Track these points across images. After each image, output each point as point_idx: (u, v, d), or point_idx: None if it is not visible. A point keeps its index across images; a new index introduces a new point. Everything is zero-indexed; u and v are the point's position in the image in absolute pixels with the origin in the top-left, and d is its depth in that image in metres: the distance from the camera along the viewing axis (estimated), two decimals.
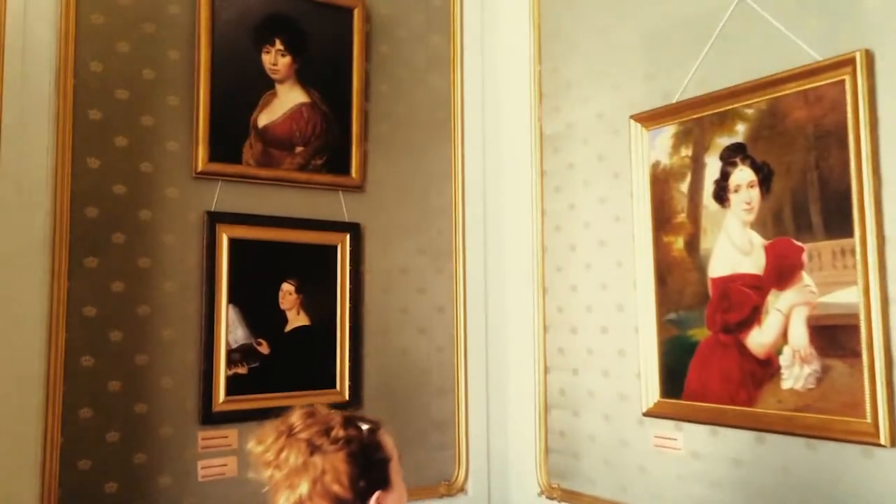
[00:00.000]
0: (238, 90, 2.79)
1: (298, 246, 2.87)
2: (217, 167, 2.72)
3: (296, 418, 1.54)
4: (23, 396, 2.32)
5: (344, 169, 2.99)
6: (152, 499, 2.50)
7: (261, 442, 1.53)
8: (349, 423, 1.54)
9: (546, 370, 3.10)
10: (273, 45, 2.87)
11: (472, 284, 3.23)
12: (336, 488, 1.45)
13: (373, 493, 1.50)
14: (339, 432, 1.50)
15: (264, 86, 2.85)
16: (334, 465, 1.46)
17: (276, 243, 2.83)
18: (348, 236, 2.96)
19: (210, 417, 2.61)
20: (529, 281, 3.19)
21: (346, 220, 2.98)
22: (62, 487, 2.35)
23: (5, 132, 2.36)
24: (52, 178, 2.44)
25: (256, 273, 2.77)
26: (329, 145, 2.96)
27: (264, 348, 2.76)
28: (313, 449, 1.47)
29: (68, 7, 2.50)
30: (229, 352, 2.68)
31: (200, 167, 2.69)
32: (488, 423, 3.21)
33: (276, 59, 2.87)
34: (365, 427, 1.57)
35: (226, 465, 2.63)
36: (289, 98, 2.90)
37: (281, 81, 2.88)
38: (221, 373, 2.66)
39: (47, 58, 2.46)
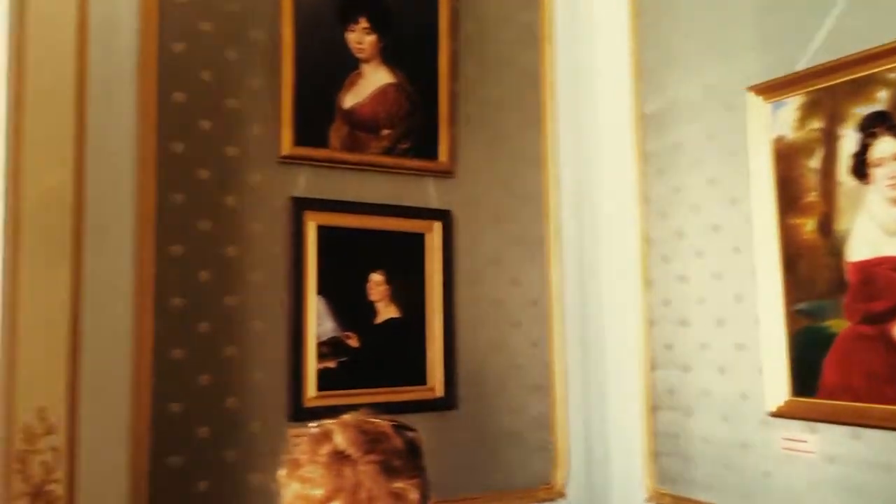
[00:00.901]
0: (323, 70, 2.64)
1: (387, 234, 2.72)
2: (302, 151, 2.59)
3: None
4: (110, 389, 2.20)
5: (431, 153, 2.82)
6: (243, 497, 2.37)
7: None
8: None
9: (651, 367, 2.87)
10: (357, 23, 2.72)
11: (567, 276, 3.03)
12: None
13: None
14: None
15: (349, 66, 2.71)
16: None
17: (364, 231, 2.68)
18: (439, 224, 2.79)
19: (300, 413, 2.46)
20: (631, 272, 2.96)
21: (437, 206, 2.81)
22: (152, 485, 2.23)
23: (91, 117, 2.26)
24: (137, 163, 2.33)
25: (344, 262, 2.62)
26: (416, 128, 2.80)
27: (354, 341, 2.61)
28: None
29: None
30: (319, 345, 2.53)
31: (285, 151, 2.56)
32: (588, 423, 3.00)
33: (361, 38, 2.72)
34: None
35: None
36: (374, 78, 2.75)
37: (366, 61, 2.73)
38: (311, 367, 2.51)
39: (130, 38, 2.35)
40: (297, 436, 1.29)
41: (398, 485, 1.21)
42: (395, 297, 2.70)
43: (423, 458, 1.30)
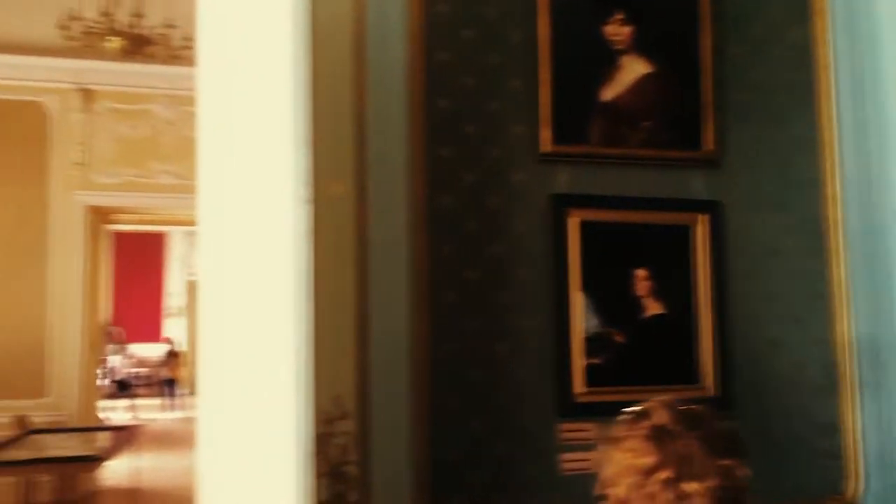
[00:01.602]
0: (580, 66, 2.64)
1: (650, 227, 2.65)
2: (562, 148, 2.60)
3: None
4: (394, 380, 2.35)
5: (694, 142, 2.71)
6: (516, 491, 2.42)
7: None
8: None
9: None
10: (614, 15, 2.68)
11: (854, 268, 2.75)
12: None
13: None
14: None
15: (606, 59, 2.67)
16: None
17: (626, 225, 2.63)
18: (705, 216, 2.67)
19: (569, 409, 2.46)
20: None
21: (703, 197, 2.69)
22: (434, 472, 2.35)
23: (369, 127, 2.43)
24: (409, 169, 2.48)
25: (606, 258, 2.60)
26: (677, 118, 2.71)
27: (619, 338, 2.56)
28: None
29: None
30: (586, 341, 2.52)
31: (545, 149, 2.58)
32: (883, 427, 2.70)
33: (617, 30, 2.68)
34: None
35: (588, 459, 2.47)
36: (632, 70, 2.70)
37: (623, 53, 2.69)
38: (578, 363, 2.51)
39: (399, 51, 2.50)
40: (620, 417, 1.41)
41: (725, 462, 1.25)
42: (660, 292, 2.62)
43: (743, 444, 1.33)
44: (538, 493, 2.44)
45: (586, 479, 2.42)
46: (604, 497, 1.32)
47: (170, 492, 7.39)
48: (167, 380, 15.06)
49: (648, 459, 1.25)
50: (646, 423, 1.30)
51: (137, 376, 15.75)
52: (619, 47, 2.68)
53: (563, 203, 2.58)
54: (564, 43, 2.62)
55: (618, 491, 1.29)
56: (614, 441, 1.33)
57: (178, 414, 13.96)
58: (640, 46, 2.70)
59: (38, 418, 7.02)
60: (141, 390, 15.42)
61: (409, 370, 2.38)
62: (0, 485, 5.77)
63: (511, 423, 2.45)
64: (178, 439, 10.53)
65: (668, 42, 2.73)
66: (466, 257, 2.49)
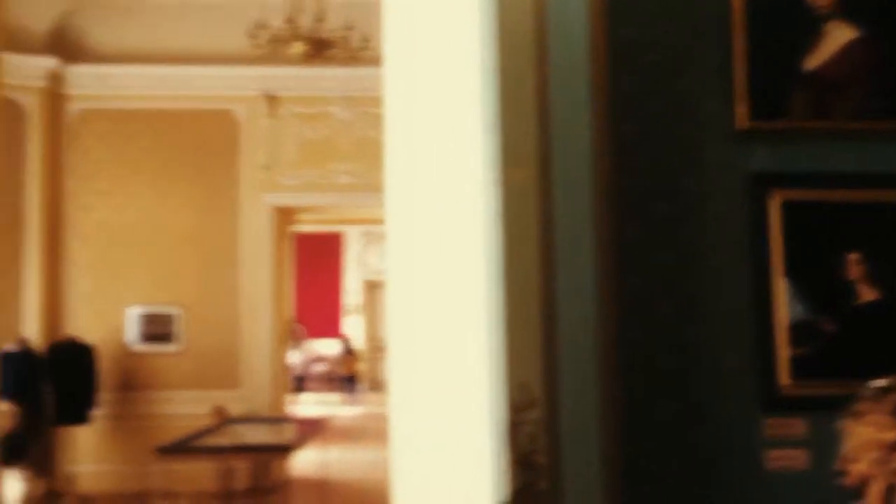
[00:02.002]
0: (778, 36, 2.46)
1: (861, 206, 2.42)
2: (760, 124, 2.43)
3: None
4: (582, 368, 2.29)
5: None
6: (715, 486, 2.29)
7: None
8: None
9: None
10: None
11: None
12: None
13: None
14: None
15: (807, 27, 2.48)
16: None
17: (835, 205, 2.42)
18: None
19: (774, 403, 2.30)
20: None
21: None
22: (626, 469, 2.27)
23: (553, 110, 2.39)
24: (591, 150, 2.40)
25: (813, 240, 2.40)
26: (889, 86, 2.46)
27: (829, 326, 2.36)
28: None
29: None
30: (790, 330, 2.34)
31: (741, 126, 2.43)
32: None
33: None
34: None
35: (795, 457, 2.30)
36: (836, 36, 2.48)
37: (826, 19, 2.48)
38: (782, 353, 2.33)
39: (581, 28, 2.44)
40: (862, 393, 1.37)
41: None
42: (875, 277, 2.39)
43: None
44: (739, 490, 2.29)
45: (794, 478, 2.28)
46: (844, 473, 1.29)
47: (357, 484, 7.70)
48: (347, 376, 15.75)
49: (894, 434, 1.24)
50: (891, 398, 1.27)
51: (316, 372, 16.59)
52: (823, 12, 2.47)
53: (764, 182, 2.41)
54: (761, 12, 2.46)
55: (860, 466, 1.26)
56: (857, 415, 1.30)
57: (358, 409, 14.55)
58: (847, 10, 2.48)
59: (233, 408, 7.54)
60: (319, 385, 16.24)
61: (596, 356, 2.30)
62: (201, 471, 6.21)
63: (708, 415, 2.32)
64: (361, 433, 10.96)
65: (877, 4, 2.49)
66: (656, 241, 2.39)
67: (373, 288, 17.35)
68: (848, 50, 2.47)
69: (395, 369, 2.50)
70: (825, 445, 2.19)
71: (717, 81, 2.45)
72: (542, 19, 2.41)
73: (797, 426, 2.31)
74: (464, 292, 2.32)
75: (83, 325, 7.63)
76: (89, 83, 7.40)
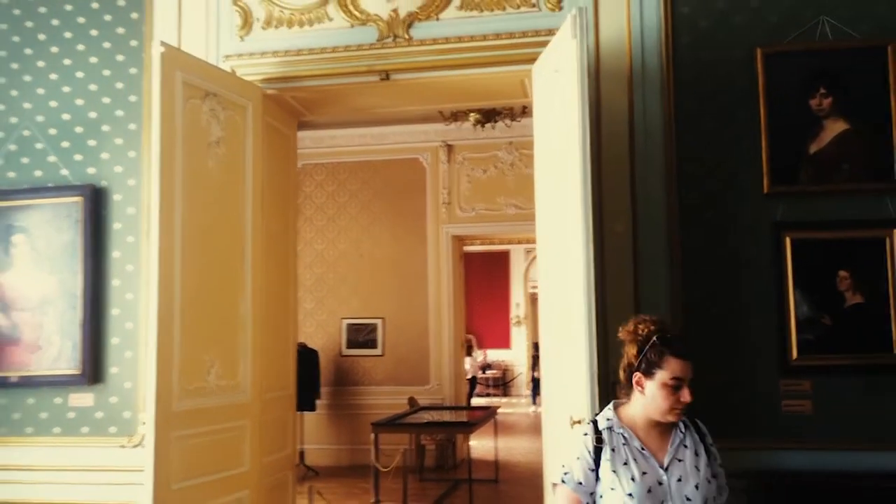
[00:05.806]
0: (791, 129, 3.75)
1: (850, 241, 3.66)
2: (779, 189, 3.73)
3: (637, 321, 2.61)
4: None
5: (887, 175, 3.64)
6: (750, 423, 3.62)
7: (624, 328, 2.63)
8: (659, 332, 2.51)
9: None
10: (818, 90, 3.74)
11: None
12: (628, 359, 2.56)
13: (635, 372, 2.51)
14: (641, 331, 2.54)
15: (811, 122, 3.74)
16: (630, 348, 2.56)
17: (827, 240, 3.67)
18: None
19: (787, 370, 3.62)
20: None
21: (893, 216, 3.63)
22: None
23: (637, 175, 3.81)
24: (664, 210, 3.80)
25: (815, 264, 3.67)
26: (871, 159, 3.67)
27: (827, 321, 3.62)
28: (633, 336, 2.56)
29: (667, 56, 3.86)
30: (798, 323, 3.63)
31: (767, 189, 3.74)
32: None
33: (820, 102, 3.73)
34: (658, 341, 2.49)
35: (802, 405, 3.58)
36: (832, 128, 3.73)
37: (825, 117, 3.73)
38: (793, 338, 3.62)
39: (658, 133, 3.85)
40: None
41: None
42: (859, 287, 3.61)
43: None
44: (766, 426, 3.60)
45: (801, 419, 3.54)
46: None
47: (523, 464, 9.31)
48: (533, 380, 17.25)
49: None
50: None
51: (487, 377, 18.27)
52: (822, 114, 3.73)
53: (781, 227, 3.71)
54: (779, 114, 3.76)
55: None
56: None
57: (527, 409, 16.08)
58: (839, 111, 3.72)
59: (423, 401, 9.23)
60: (490, 389, 17.90)
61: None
62: (396, 449, 7.71)
63: (745, 380, 3.65)
64: (527, 428, 12.59)
65: (861, 105, 3.71)
66: (710, 267, 3.75)
67: (535, 300, 18.73)
68: (840, 138, 3.71)
69: (545, 370, 3.92)
70: (822, 398, 3.53)
71: (751, 162, 3.78)
72: (632, 123, 3.84)
73: (804, 385, 3.59)
74: (581, 302, 3.75)
75: (309, 334, 9.64)
76: (310, 144, 9.44)
